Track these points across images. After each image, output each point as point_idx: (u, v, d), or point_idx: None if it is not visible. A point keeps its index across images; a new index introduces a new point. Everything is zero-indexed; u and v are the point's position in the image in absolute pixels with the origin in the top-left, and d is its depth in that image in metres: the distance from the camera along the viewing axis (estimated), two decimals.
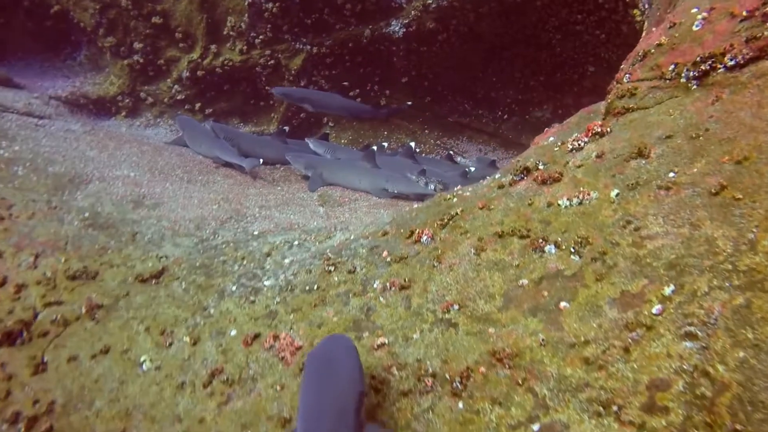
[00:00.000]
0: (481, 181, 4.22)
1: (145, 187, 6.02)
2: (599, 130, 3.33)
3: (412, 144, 8.04)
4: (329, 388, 2.51)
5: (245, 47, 9.00)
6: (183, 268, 4.35)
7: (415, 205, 4.18)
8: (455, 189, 4.22)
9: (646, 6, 5.91)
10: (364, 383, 2.56)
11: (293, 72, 9.12)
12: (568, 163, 3.30)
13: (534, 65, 9.15)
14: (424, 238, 3.54)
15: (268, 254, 4.33)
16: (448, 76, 9.55)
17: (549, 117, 9.43)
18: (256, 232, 4.97)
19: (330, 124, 9.79)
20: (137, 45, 8.74)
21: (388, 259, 3.58)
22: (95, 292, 4.09)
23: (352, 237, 4.09)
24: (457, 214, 3.55)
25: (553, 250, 2.85)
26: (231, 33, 8.95)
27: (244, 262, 4.28)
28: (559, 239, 2.87)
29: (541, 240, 2.91)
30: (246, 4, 8.66)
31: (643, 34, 5.76)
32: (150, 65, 8.96)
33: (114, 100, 8.95)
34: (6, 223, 4.63)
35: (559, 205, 3.05)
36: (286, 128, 8.62)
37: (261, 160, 7.48)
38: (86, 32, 8.91)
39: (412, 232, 3.64)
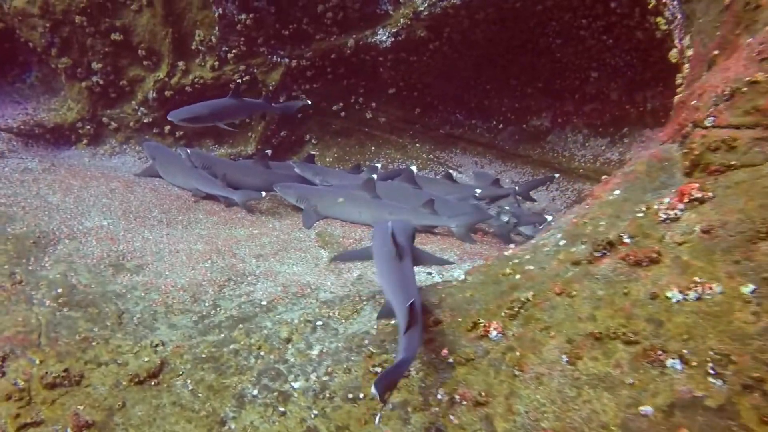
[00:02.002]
0: (533, 240, 3.66)
1: (123, 242, 5.22)
2: (699, 195, 2.80)
3: (414, 168, 7.41)
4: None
5: (217, 63, 8.14)
6: (186, 360, 3.64)
7: (462, 276, 3.59)
8: (507, 251, 3.66)
9: (678, 15, 5.42)
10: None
11: (271, 87, 8.33)
12: (663, 237, 2.77)
13: (531, 71, 8.63)
14: (494, 333, 2.96)
15: (289, 340, 3.67)
16: (438, 86, 8.95)
17: (548, 126, 8.97)
18: (264, 302, 4.28)
19: (313, 141, 9.06)
20: (96, 65, 7.76)
21: (450, 359, 2.99)
22: (82, 403, 3.34)
23: (392, 321, 3.47)
24: (528, 300, 2.98)
25: (679, 366, 2.32)
26: (200, 48, 8.08)
27: (261, 352, 3.60)
28: (684, 351, 2.33)
29: (659, 351, 2.37)
30: (216, 15, 7.80)
31: (680, 48, 5.28)
32: (111, 87, 7.99)
33: (73, 128, 7.95)
34: None
35: (668, 298, 2.51)
36: (269, 151, 7.85)
37: (263, 193, 6.73)
38: (36, 52, 7.87)
39: (476, 324, 3.05)
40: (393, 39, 7.94)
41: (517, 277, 3.29)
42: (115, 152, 8.15)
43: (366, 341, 3.40)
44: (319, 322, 3.82)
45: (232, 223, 6.46)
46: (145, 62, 7.97)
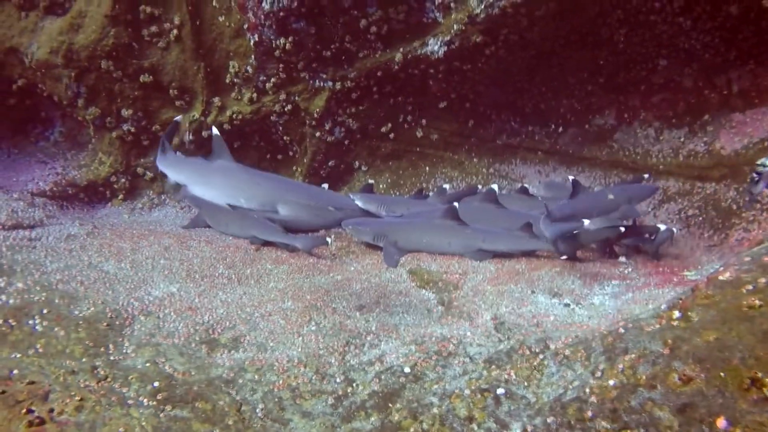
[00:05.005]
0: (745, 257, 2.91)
1: (204, 310, 4.43)
2: None
3: (495, 187, 6.66)
4: None
5: (255, 94, 7.47)
6: None
7: (676, 312, 2.82)
8: (722, 276, 2.90)
9: None
10: None
11: (315, 115, 7.63)
12: None
13: (591, 67, 7.97)
14: None
15: (471, 419, 2.87)
16: (490, 94, 8.27)
17: (613, 123, 8.29)
18: (406, 369, 3.48)
19: (363, 168, 8.32)
20: (126, 112, 7.05)
21: None
22: None
23: (612, 383, 2.68)
24: None
25: None
26: (235, 80, 7.42)
27: None
28: None
29: None
30: (251, 43, 7.14)
31: None
32: (144, 133, 7.27)
33: (107, 183, 7.20)
34: (50, 430, 2.98)
35: None
36: (326, 185, 7.10)
37: (329, 240, 5.93)
38: (60, 105, 7.18)
39: (755, 380, 2.28)
40: (446, 48, 7.25)
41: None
42: (154, 204, 7.39)
43: (588, 413, 2.61)
44: (500, 390, 3.03)
45: (306, 270, 5.66)
46: (177, 102, 7.28)
